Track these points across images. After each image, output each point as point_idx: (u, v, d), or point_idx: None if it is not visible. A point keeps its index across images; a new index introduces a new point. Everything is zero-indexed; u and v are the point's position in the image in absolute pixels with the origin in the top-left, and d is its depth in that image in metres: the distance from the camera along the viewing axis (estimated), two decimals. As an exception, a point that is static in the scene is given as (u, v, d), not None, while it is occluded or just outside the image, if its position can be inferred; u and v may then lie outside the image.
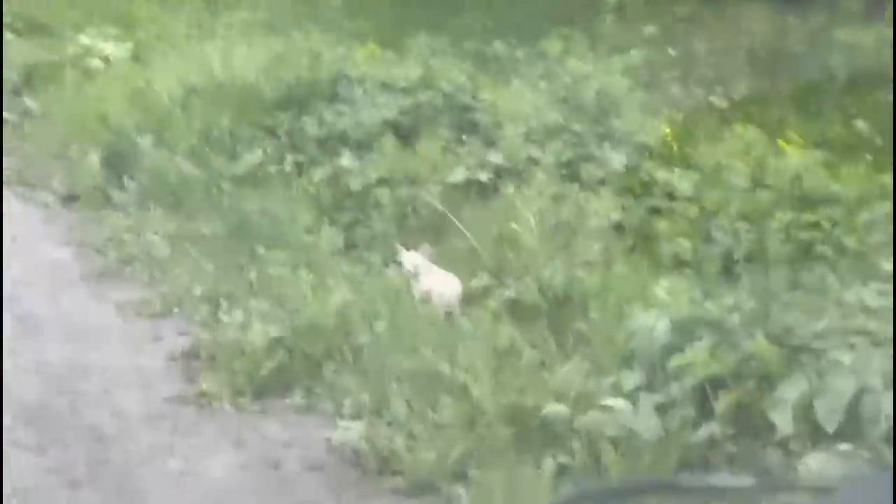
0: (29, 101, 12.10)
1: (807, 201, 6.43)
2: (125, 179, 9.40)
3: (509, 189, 7.78)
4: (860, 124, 10.06)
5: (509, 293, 6.79)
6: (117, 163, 9.66)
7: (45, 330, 6.90)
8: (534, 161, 8.28)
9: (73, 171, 9.84)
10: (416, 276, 6.83)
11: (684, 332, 5.37)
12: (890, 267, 5.62)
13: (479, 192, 8.10)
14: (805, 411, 4.75)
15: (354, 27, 13.69)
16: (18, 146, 11.19)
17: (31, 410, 5.87)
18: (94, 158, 9.70)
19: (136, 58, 12.49)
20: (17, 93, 12.70)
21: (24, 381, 6.20)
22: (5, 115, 12.08)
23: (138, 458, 5.45)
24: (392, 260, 7.33)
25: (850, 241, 6.03)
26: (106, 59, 12.52)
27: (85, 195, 9.46)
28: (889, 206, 6.59)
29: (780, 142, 7.53)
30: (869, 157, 8.96)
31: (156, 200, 8.91)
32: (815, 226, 6.15)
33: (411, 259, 6.88)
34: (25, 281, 7.69)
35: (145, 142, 9.66)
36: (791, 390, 4.83)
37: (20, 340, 6.71)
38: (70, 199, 9.53)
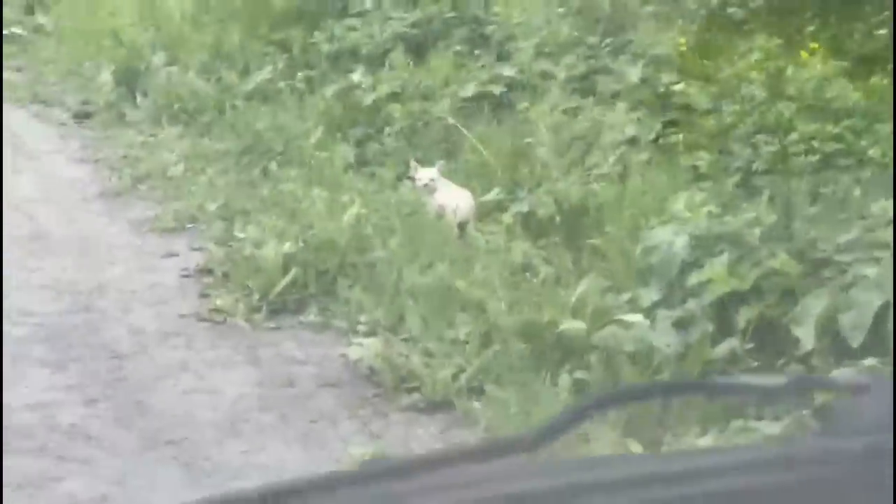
0: (41, 18, 12.01)
1: (829, 112, 6.32)
2: (138, 96, 9.33)
3: (523, 103, 7.69)
4: (882, 33, 9.89)
5: (523, 207, 6.74)
6: (130, 80, 9.60)
7: (61, 247, 6.88)
8: (547, 75, 8.16)
9: (86, 89, 9.78)
10: (430, 191, 6.77)
11: (703, 247, 5.31)
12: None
13: (492, 106, 8.01)
14: (828, 326, 4.70)
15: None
16: (31, 63, 11.13)
17: (49, 327, 5.86)
18: (107, 75, 9.64)
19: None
20: (29, 9, 12.60)
21: (41, 298, 6.19)
22: (17, 31, 12.00)
23: (154, 375, 5.44)
24: (405, 175, 7.27)
25: (874, 153, 5.93)
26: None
27: (98, 112, 9.40)
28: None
29: (801, 52, 7.40)
30: (890, 67, 8.82)
31: (169, 117, 8.85)
32: (838, 137, 6.05)
33: (425, 174, 6.82)
34: (41, 198, 7.67)
35: (158, 58, 9.59)
36: (814, 305, 4.78)
37: (36, 257, 6.69)
38: (84, 116, 9.47)
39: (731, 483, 1.08)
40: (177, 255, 6.82)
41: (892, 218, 5.00)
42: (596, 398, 1.29)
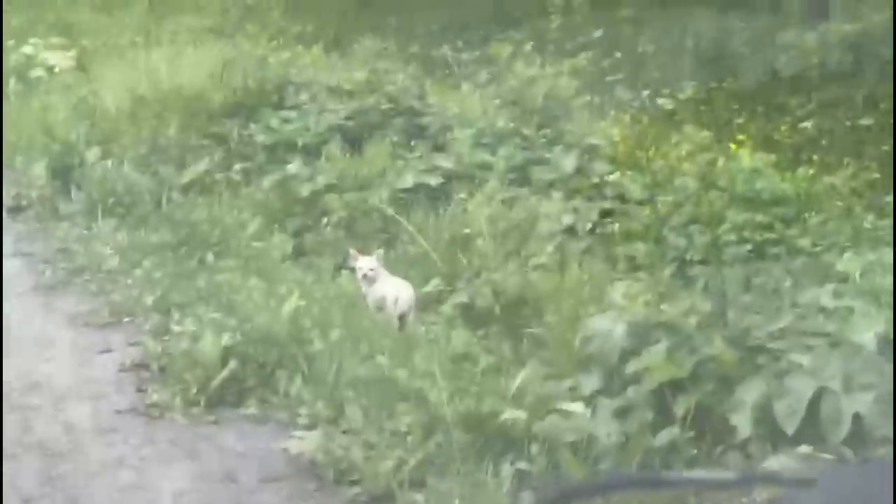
0: (-30, 111, 11.95)
1: (759, 203, 6.44)
2: (73, 190, 9.30)
3: (460, 194, 7.75)
4: (806, 125, 10.12)
5: (463, 298, 6.77)
6: (64, 174, 9.58)
7: (-7, 344, 6.79)
8: (484, 165, 8.26)
9: (19, 183, 9.73)
10: (370, 281, 6.78)
11: (641, 335, 5.36)
12: (843, 267, 5.63)
13: (430, 196, 8.07)
14: (764, 413, 4.75)
15: (299, 31, 13.65)
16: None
17: (-19, 426, 5.77)
18: (40, 169, 9.60)
19: (80, 67, 12.40)
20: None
21: (-27, 396, 6.10)
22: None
23: (91, 472, 5.37)
24: (343, 266, 7.29)
25: (803, 242, 6.05)
26: (50, 69, 12.39)
27: (32, 206, 9.35)
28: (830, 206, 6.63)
29: (731, 144, 7.55)
30: (816, 157, 9.02)
31: (104, 211, 8.82)
32: (768, 227, 6.17)
33: (365, 263, 6.84)
34: (-28, 294, 7.58)
35: (92, 153, 9.58)
36: (750, 392, 4.83)
37: (-32, 355, 6.61)
38: (17, 210, 9.42)
39: None
40: (113, 349, 6.77)
41: (821, 307, 5.09)
42: (545, 499, 1.30)
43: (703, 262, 5.93)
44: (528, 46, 10.17)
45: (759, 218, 6.28)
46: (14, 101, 11.69)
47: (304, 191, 8.32)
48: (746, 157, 7.43)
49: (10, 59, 12.77)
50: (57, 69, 12.38)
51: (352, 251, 7.06)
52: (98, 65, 12.11)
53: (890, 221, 6.82)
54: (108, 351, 6.76)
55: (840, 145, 9.61)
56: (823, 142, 9.97)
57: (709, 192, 6.53)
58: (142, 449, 5.62)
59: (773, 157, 7.80)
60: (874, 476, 1.35)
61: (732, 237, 6.09)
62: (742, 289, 5.67)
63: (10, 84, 12.09)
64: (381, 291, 6.74)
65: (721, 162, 7.47)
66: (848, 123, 10.52)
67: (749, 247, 5.96)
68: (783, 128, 10.29)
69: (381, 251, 7.04)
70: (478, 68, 10.97)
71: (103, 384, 6.32)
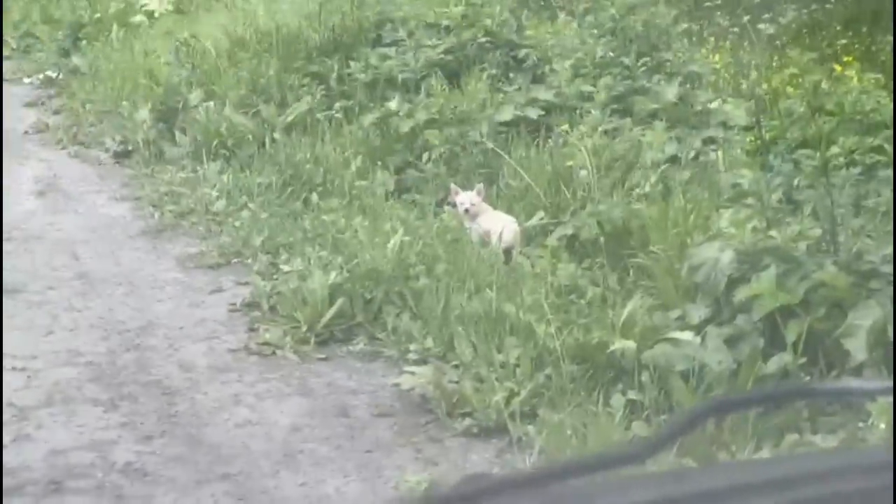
0: (76, 60, 12.14)
1: (867, 124, 6.33)
2: (177, 133, 9.41)
3: (561, 126, 7.71)
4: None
5: (568, 230, 6.76)
6: (168, 117, 9.69)
7: (107, 286, 6.93)
8: (584, 97, 8.20)
9: (124, 128, 9.86)
10: (472, 215, 6.80)
11: (749, 262, 5.31)
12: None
13: (530, 129, 8.04)
14: (879, 337, 4.69)
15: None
16: (68, 105, 11.24)
17: (100, 367, 5.90)
18: (145, 114, 9.72)
19: (179, 11, 12.48)
20: (64, 52, 12.74)
21: (90, 338, 6.24)
22: (52, 74, 12.14)
23: (207, 410, 5.48)
24: (446, 201, 7.31)
25: (914, 163, 5.94)
26: (150, 15, 12.51)
27: (138, 151, 9.48)
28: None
29: (836, 66, 7.41)
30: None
31: (208, 153, 8.91)
32: (878, 149, 6.06)
33: (466, 198, 6.85)
34: (84, 239, 7.73)
35: (194, 95, 9.67)
36: (864, 317, 4.77)
37: (83, 298, 6.75)
38: (123, 155, 9.56)
39: (829, 488, 1.10)
40: (223, 290, 6.87)
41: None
42: (701, 409, 1.31)
43: (811, 186, 5.85)
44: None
45: (869, 140, 6.17)
46: (116, 46, 11.82)
47: (405, 127, 8.34)
48: (854, 78, 7.29)
49: (111, 6, 12.92)
50: (156, 14, 12.50)
51: (453, 186, 7.08)
52: (196, 8, 12.20)
53: None
54: (219, 291, 6.86)
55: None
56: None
57: (816, 116, 6.42)
58: (256, 386, 5.71)
59: (881, 77, 7.64)
60: None
61: (841, 160, 5.99)
62: (853, 212, 5.59)
63: (112, 30, 12.21)
64: (484, 226, 6.75)
65: (826, 84, 7.34)
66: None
67: (859, 169, 5.87)
68: (888, 48, 10.07)
69: (481, 185, 7.05)
70: (575, -1, 10.86)
71: (215, 324, 6.43)
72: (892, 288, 4.87)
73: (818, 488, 1.12)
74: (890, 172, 5.79)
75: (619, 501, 1.13)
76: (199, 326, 6.40)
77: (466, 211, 6.82)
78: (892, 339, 4.64)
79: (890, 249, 5.08)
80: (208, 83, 9.86)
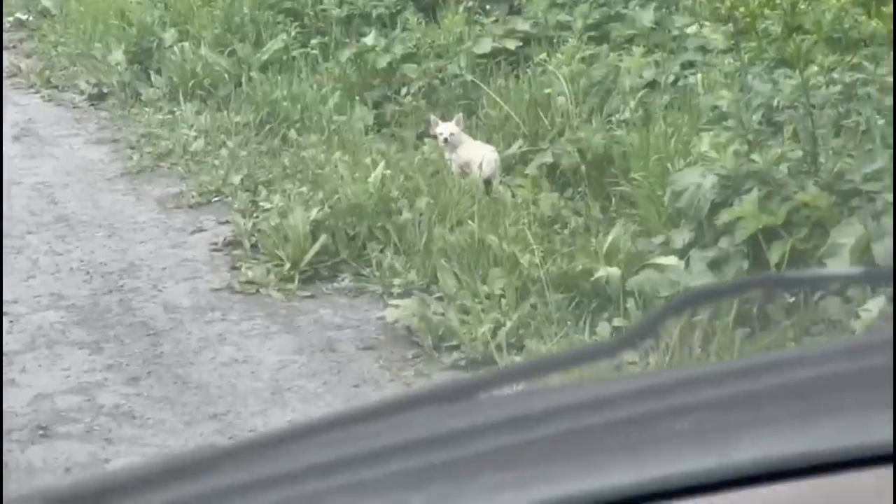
0: (46, 1, 11.97)
1: (846, 42, 6.29)
2: (152, 74, 9.33)
3: (540, 55, 7.67)
4: (891, -38, 9.82)
5: (548, 158, 6.74)
6: (143, 58, 9.60)
7: (88, 229, 6.90)
8: (561, 26, 8.14)
9: (98, 70, 9.77)
10: (452, 146, 6.77)
11: (732, 186, 5.31)
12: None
13: (509, 60, 7.99)
14: (862, 256, 4.70)
15: None
16: (39, 48, 11.12)
17: (84, 309, 5.89)
18: (119, 55, 9.62)
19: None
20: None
21: (73, 280, 6.22)
22: (22, 16, 11.99)
23: (193, 350, 5.47)
24: (426, 134, 7.27)
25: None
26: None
27: (113, 93, 9.41)
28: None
29: (813, -15, 7.35)
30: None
31: (185, 94, 8.84)
32: (857, 66, 6.03)
33: (445, 128, 6.82)
34: (62, 182, 7.68)
35: (169, 35, 9.58)
36: (846, 235, 4.78)
37: (64, 241, 6.72)
38: (98, 97, 9.47)
39: (794, 377, 1.10)
40: (205, 229, 6.84)
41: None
42: (677, 301, 1.31)
43: (791, 107, 5.83)
44: None
45: (848, 58, 6.13)
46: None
47: (382, 62, 8.27)
48: (830, -2, 7.23)
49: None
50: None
51: (432, 118, 7.04)
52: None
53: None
54: (200, 231, 6.83)
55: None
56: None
57: (794, 35, 6.38)
58: (240, 325, 5.71)
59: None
60: None
61: (820, 79, 5.96)
62: (833, 132, 5.57)
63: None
64: (464, 156, 6.73)
65: (804, 4, 7.28)
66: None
67: (838, 88, 5.84)
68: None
69: (460, 115, 7.01)
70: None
71: (198, 263, 6.41)
72: (873, 206, 4.87)
73: (812, 371, 1.11)
74: (869, 90, 5.77)
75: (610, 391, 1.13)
76: (181, 267, 6.38)
77: (446, 141, 6.79)
78: (873, 258, 4.64)
79: (871, 167, 5.07)
80: (182, 23, 9.76)
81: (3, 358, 5.34)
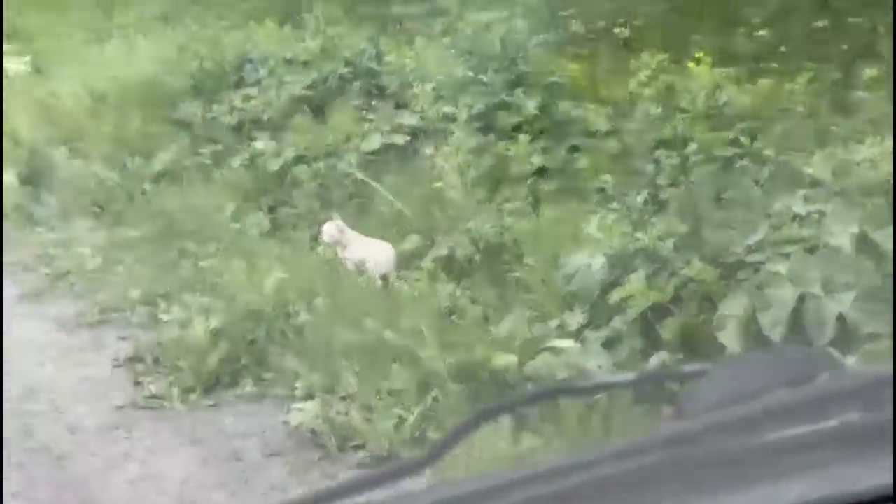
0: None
1: (722, 118, 6.48)
2: (44, 194, 9.30)
3: (428, 148, 7.78)
4: (762, 34, 10.14)
5: (442, 251, 6.81)
6: (34, 178, 9.57)
7: (-14, 356, 6.83)
8: (448, 117, 8.28)
9: (-11, 193, 9.71)
10: (341, 245, 6.84)
11: (620, 265, 5.42)
12: (812, 171, 5.68)
13: (398, 155, 8.10)
14: (750, 326, 4.81)
15: (248, 8, 13.57)
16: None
17: (-16, 439, 5.81)
18: (10, 176, 9.59)
19: (37, 70, 12.34)
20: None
21: (-28, 410, 6.14)
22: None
23: (98, 470, 5.43)
24: (319, 235, 7.33)
25: (769, 152, 6.09)
26: (6, 76, 12.33)
27: (7, 215, 9.35)
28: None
29: (689, 64, 7.56)
30: (776, 65, 9.04)
31: (79, 211, 8.83)
32: (734, 141, 6.21)
33: (327, 228, 6.90)
34: (-42, 310, 7.60)
35: (59, 154, 9.57)
36: (733, 307, 4.89)
37: (-38, 371, 6.64)
38: (-10, 222, 9.40)
39: (593, 477, 1.14)
40: (106, 346, 6.81)
41: (794, 214, 5.15)
42: (477, 414, 1.38)
43: (672, 184, 5.98)
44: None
45: (724, 134, 6.31)
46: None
47: (274, 166, 8.34)
48: (705, 75, 7.45)
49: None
50: (13, 74, 12.33)
51: (329, 219, 7.10)
52: (53, 66, 12.06)
53: (856, 121, 6.87)
54: (101, 348, 6.80)
55: (798, 50, 9.62)
56: (782, 48, 9.98)
57: (672, 115, 6.56)
58: (145, 441, 5.68)
59: (731, 70, 7.81)
60: (756, 365, 1.48)
61: (700, 156, 6.13)
62: (714, 206, 5.72)
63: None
64: (359, 254, 6.79)
65: (681, 83, 7.49)
66: (802, 27, 10.52)
67: (717, 164, 6.01)
68: (739, 40, 10.30)
69: (335, 214, 7.04)
70: (430, 21, 10.95)
71: (100, 382, 6.37)
72: (758, 276, 5.00)
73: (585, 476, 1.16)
74: (746, 163, 5.95)
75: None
76: (82, 386, 6.34)
77: (334, 240, 6.87)
78: (761, 328, 4.76)
79: (753, 239, 5.21)
80: (72, 140, 9.77)
81: None
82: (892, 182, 5.34)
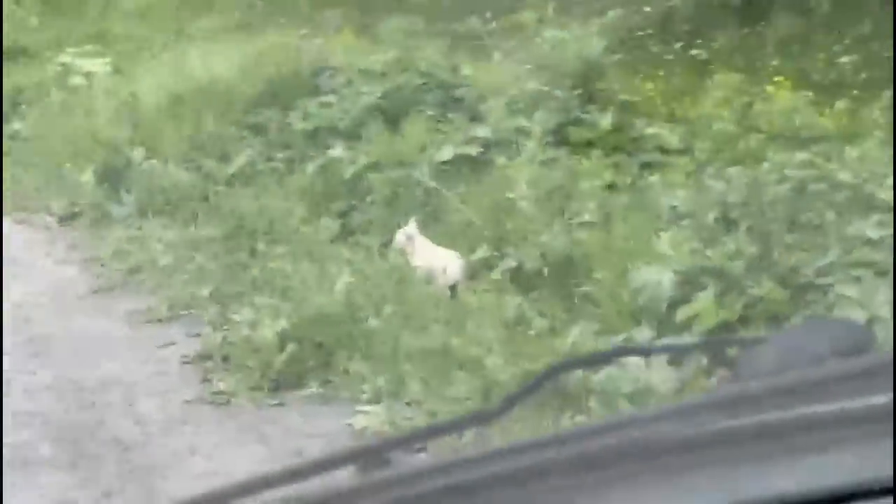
0: (17, 125, 12.13)
1: (798, 140, 6.48)
2: (122, 193, 9.45)
3: (501, 160, 7.82)
4: (843, 61, 10.10)
5: (511, 262, 6.85)
6: (112, 177, 9.72)
7: (60, 347, 6.96)
8: (521, 131, 8.32)
9: (69, 191, 9.88)
10: (411, 251, 6.90)
11: (689, 282, 5.43)
12: (885, 196, 5.67)
13: (471, 166, 8.14)
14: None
15: (326, 18, 13.70)
16: (11, 170, 11.23)
17: (57, 428, 5.92)
18: (89, 175, 9.75)
19: (117, 71, 12.52)
20: (3, 118, 12.71)
21: (46, 399, 6.26)
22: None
23: (165, 463, 5.51)
24: (390, 242, 7.39)
25: (844, 176, 6.07)
26: (88, 76, 12.54)
27: (83, 213, 9.51)
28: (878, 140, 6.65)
29: (767, 87, 7.57)
30: (855, 92, 9.01)
31: (153, 210, 8.96)
32: (809, 164, 6.20)
33: (401, 234, 6.96)
34: (34, 302, 7.74)
35: (137, 154, 9.72)
36: (800, 328, 4.88)
37: (37, 359, 6.77)
38: (69, 217, 9.57)
39: (648, 435, 1.16)
40: (175, 343, 6.91)
41: (866, 238, 5.14)
42: (550, 368, 1.42)
43: (745, 204, 5.97)
44: (550, 10, 10.20)
45: (799, 156, 6.31)
46: (57, 109, 11.84)
47: (347, 172, 8.42)
48: (783, 97, 7.45)
49: (48, 70, 12.93)
50: (95, 75, 12.52)
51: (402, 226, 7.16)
52: (134, 68, 12.25)
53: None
54: (171, 344, 6.90)
55: (877, 77, 9.58)
56: (862, 75, 9.95)
57: (746, 135, 6.57)
58: (212, 436, 5.75)
59: (810, 94, 7.80)
60: (815, 333, 1.52)
61: (773, 176, 6.12)
62: (786, 227, 5.72)
63: (51, 93, 12.23)
64: (429, 263, 6.84)
65: (758, 104, 7.49)
66: (885, 55, 10.47)
67: (790, 185, 6.00)
68: (819, 65, 10.28)
69: (412, 222, 7.10)
70: (507, 36, 11.02)
71: (169, 377, 6.46)
72: (826, 299, 5.00)
73: (648, 433, 1.17)
74: (820, 186, 5.93)
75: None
76: (152, 380, 6.44)
77: (405, 246, 6.94)
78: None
79: (823, 261, 5.20)
80: (149, 141, 9.91)
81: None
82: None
